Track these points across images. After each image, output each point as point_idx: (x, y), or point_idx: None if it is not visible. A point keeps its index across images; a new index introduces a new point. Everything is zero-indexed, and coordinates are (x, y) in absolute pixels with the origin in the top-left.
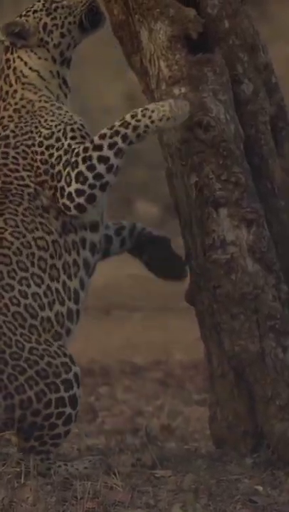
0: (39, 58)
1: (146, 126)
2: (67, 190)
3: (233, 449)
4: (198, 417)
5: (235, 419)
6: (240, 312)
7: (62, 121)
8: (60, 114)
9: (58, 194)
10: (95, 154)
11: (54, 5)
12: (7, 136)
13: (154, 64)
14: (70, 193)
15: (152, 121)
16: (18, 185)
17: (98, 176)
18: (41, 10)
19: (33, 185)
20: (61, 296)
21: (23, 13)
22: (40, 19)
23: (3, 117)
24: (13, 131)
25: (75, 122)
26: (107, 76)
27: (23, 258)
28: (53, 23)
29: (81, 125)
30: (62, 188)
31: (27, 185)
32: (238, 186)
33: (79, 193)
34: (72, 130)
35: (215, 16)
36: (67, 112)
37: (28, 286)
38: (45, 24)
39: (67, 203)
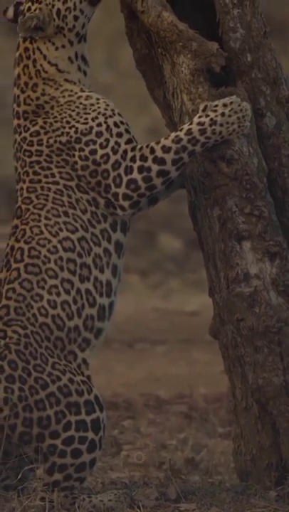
0: (56, 49)
1: (216, 141)
2: (114, 190)
3: (257, 482)
4: (222, 450)
5: (259, 452)
6: (263, 345)
7: (100, 113)
8: (92, 105)
9: (102, 189)
10: (156, 167)
11: None
12: (38, 132)
13: (176, 97)
14: (116, 194)
15: (222, 137)
16: (46, 182)
17: (151, 187)
18: None
19: (62, 182)
20: (92, 296)
21: None
22: (53, 6)
23: (26, 112)
24: (42, 127)
25: (113, 112)
26: (130, 110)
27: (52, 265)
28: (66, 7)
29: (119, 114)
30: (109, 186)
31: (56, 182)
32: (261, 219)
33: (126, 197)
34: (116, 125)
35: (237, 49)
36: (98, 99)
37: (58, 294)
38: (59, 10)
39: (112, 199)
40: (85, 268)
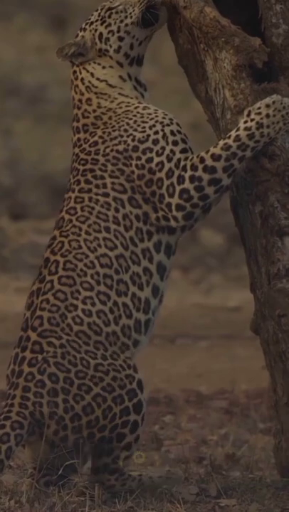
0: (104, 68)
1: (265, 142)
2: (167, 200)
3: None
4: (263, 446)
5: None
6: None
7: (157, 121)
8: (149, 114)
9: (156, 200)
10: (207, 177)
11: (108, 12)
12: (96, 143)
13: (219, 93)
14: (169, 204)
15: (270, 138)
16: (96, 193)
17: (204, 197)
18: (96, 20)
19: (112, 194)
20: (128, 309)
21: (82, 26)
22: (96, 30)
23: (86, 124)
24: (101, 137)
25: (171, 121)
26: (172, 105)
27: (88, 278)
28: (108, 30)
29: (177, 124)
30: (162, 196)
31: (106, 194)
32: None
33: (179, 207)
34: (173, 133)
35: (280, 45)
36: (156, 109)
37: (93, 304)
38: (101, 34)
39: (165, 210)
40: (122, 284)
